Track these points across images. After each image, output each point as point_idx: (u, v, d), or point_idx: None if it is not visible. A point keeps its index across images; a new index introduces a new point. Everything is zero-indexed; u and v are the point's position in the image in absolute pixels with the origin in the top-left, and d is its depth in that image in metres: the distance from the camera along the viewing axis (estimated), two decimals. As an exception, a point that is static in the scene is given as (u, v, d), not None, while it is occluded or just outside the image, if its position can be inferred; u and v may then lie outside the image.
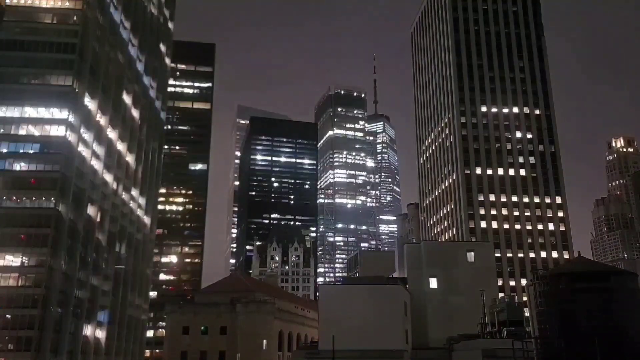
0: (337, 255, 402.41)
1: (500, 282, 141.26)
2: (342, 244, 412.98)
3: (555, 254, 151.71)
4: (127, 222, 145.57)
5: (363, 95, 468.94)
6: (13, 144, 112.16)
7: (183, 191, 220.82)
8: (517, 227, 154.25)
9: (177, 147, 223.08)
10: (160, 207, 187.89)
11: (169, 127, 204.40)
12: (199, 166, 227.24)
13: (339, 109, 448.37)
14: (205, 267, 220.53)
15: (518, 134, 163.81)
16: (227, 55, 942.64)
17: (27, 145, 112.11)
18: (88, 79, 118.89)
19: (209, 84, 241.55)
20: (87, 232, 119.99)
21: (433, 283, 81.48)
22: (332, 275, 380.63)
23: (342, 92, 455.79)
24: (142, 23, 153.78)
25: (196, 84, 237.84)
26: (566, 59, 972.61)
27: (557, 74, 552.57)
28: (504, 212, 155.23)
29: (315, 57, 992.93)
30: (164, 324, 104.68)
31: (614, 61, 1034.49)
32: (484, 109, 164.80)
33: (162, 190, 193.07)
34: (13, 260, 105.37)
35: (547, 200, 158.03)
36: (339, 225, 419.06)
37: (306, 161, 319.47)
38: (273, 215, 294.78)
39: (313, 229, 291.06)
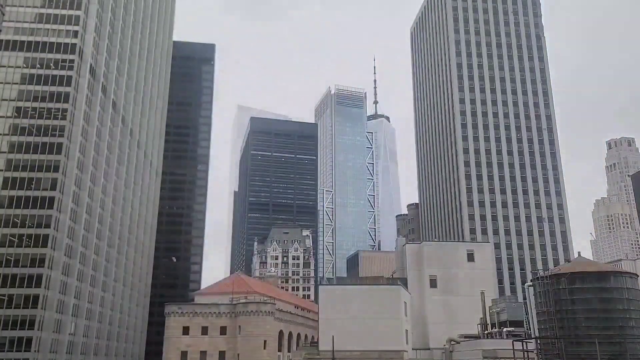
0: (337, 256, 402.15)
1: (500, 283, 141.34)
2: (342, 244, 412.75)
3: (555, 254, 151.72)
4: (128, 221, 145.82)
5: (363, 95, 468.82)
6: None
7: (183, 191, 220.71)
8: (517, 227, 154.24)
9: (177, 147, 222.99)
10: (160, 206, 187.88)
11: (169, 127, 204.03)
12: (199, 166, 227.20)
13: (339, 109, 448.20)
14: (205, 267, 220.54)
15: (518, 134, 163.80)
16: (227, 55, 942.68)
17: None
18: (88, 79, 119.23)
19: (209, 84, 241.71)
20: (88, 232, 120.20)
21: (433, 283, 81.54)
22: (332, 275, 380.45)
23: (342, 92, 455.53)
24: (143, 23, 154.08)
25: (196, 84, 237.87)
26: (566, 59, 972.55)
27: (557, 74, 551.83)
28: (504, 212, 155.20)
29: (315, 57, 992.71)
30: (164, 324, 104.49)
31: (614, 61, 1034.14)
32: (483, 109, 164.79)
33: (162, 190, 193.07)
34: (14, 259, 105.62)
35: (547, 201, 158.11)
36: (339, 225, 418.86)
37: (306, 161, 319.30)
38: (273, 215, 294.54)
39: (313, 229, 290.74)
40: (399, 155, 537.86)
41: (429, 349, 75.78)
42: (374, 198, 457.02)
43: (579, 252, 56.04)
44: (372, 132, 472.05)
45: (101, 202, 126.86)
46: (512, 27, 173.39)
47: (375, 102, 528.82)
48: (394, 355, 66.01)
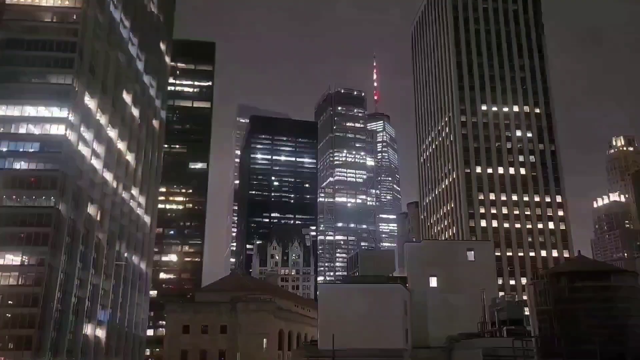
0: (337, 255, 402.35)
1: (500, 281, 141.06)
2: (342, 243, 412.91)
3: (555, 253, 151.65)
4: (127, 220, 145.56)
5: (363, 95, 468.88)
6: (13, 142, 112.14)
7: (183, 190, 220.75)
8: (517, 225, 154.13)
9: (177, 146, 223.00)
10: (160, 205, 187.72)
11: (169, 126, 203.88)
12: (199, 165, 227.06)
13: (339, 108, 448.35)
14: (205, 266, 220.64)
15: (518, 133, 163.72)
16: (227, 53, 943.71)
17: (27, 144, 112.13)
18: (87, 77, 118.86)
19: (209, 83, 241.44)
20: (87, 231, 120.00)
21: (433, 282, 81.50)
22: (332, 274, 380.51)
23: (342, 91, 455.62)
24: (141, 21, 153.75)
25: (196, 83, 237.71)
26: (566, 58, 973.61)
27: (557, 73, 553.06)
28: (504, 210, 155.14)
29: (315, 57, 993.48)
30: (164, 323, 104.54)
31: (614, 61, 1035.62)
32: (484, 107, 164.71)
33: (162, 189, 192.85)
34: (13, 259, 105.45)
35: (547, 199, 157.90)
36: (339, 224, 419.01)
37: (306, 160, 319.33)
38: (273, 214, 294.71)
39: (313, 228, 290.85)
40: (399, 154, 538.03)
41: (429, 347, 75.73)
42: (374, 198, 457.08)
43: (579, 251, 56.03)
44: (372, 132, 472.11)
45: (101, 202, 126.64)
46: (512, 25, 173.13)
47: (376, 102, 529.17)
48: (394, 354, 65.96)
